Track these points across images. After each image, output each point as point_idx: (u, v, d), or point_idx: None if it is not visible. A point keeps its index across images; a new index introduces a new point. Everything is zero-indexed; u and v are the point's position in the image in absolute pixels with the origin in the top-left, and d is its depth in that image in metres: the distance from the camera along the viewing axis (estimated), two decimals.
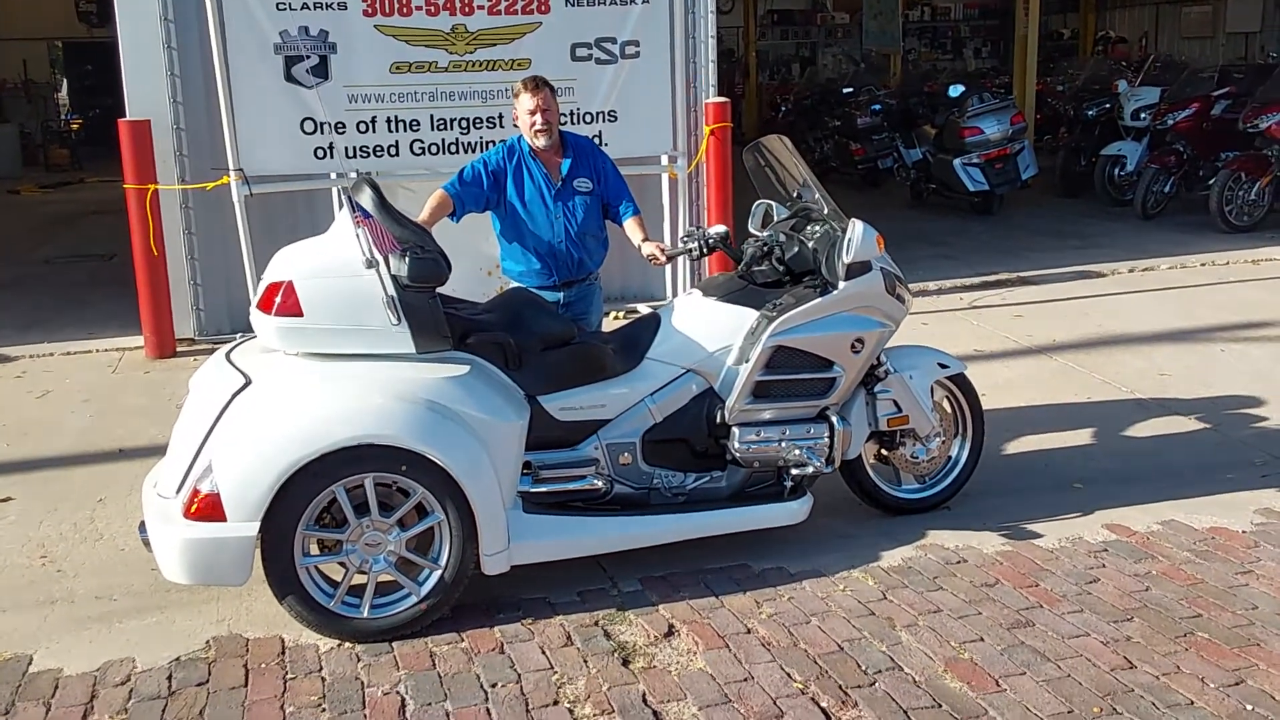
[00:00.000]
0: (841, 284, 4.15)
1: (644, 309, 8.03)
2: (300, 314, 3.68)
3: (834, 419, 4.24)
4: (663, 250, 4.66)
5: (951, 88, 13.09)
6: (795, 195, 4.59)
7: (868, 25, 19.94)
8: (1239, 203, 10.28)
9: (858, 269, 4.15)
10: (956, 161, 11.73)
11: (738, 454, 4.16)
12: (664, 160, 7.64)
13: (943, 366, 4.60)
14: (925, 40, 26.40)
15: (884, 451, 4.61)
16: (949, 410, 4.69)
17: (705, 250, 4.49)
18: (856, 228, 4.03)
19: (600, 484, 4.09)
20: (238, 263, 6.97)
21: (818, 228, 4.38)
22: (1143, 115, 11.87)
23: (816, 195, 4.41)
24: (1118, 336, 7.21)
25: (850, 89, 16.30)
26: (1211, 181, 10.69)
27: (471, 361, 3.85)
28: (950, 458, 4.69)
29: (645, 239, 4.74)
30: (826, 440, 4.22)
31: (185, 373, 6.93)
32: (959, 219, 11.86)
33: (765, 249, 4.28)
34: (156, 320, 7.10)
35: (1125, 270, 9.00)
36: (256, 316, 3.77)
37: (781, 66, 24.83)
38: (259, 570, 3.56)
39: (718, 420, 4.18)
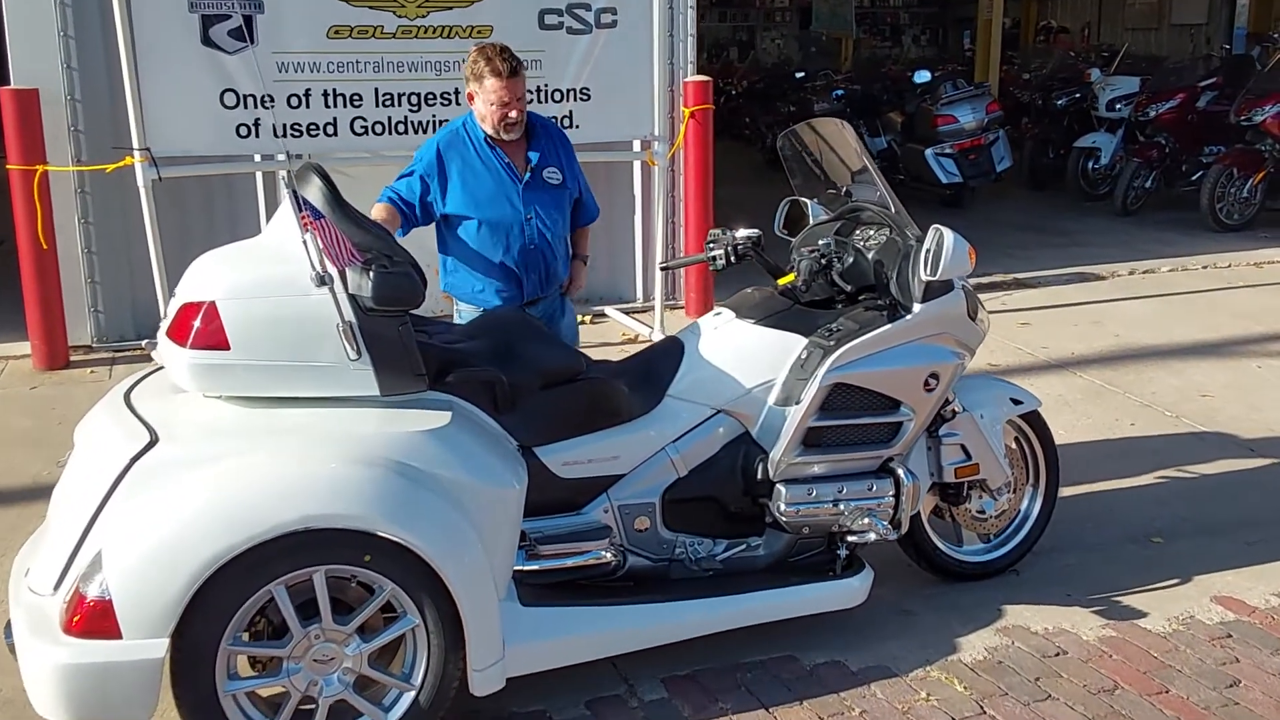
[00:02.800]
0: (917, 306, 3.33)
1: (612, 312, 7.15)
2: (225, 346, 2.74)
3: (900, 471, 3.41)
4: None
5: (917, 74, 12.40)
6: (844, 192, 3.75)
7: (817, 8, 19.23)
8: (1230, 200, 9.73)
9: (938, 288, 3.33)
10: (928, 152, 11.01)
11: (784, 518, 3.31)
12: (637, 146, 6.75)
13: (1015, 402, 3.81)
14: (864, 26, 25.82)
15: (942, 505, 3.80)
16: (1018, 454, 3.90)
17: (733, 258, 3.63)
18: (946, 238, 3.20)
19: (611, 557, 3.22)
20: (144, 258, 5.91)
21: (873, 233, 3.55)
22: (1118, 106, 11.29)
23: (879, 193, 3.57)
24: (1140, 350, 6.52)
25: (803, 73, 15.58)
26: (1195, 177, 10.18)
27: (453, 406, 2.95)
28: (1020, 511, 3.90)
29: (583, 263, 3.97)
30: (891, 499, 3.40)
31: (80, 388, 5.92)
32: (929, 213, 10.97)
33: (823, 261, 3.42)
34: (46, 325, 6.02)
35: (1125, 272, 8.36)
36: (166, 348, 2.82)
37: (719, 50, 24.03)
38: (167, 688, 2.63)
39: (758, 475, 3.33)
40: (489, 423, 3.05)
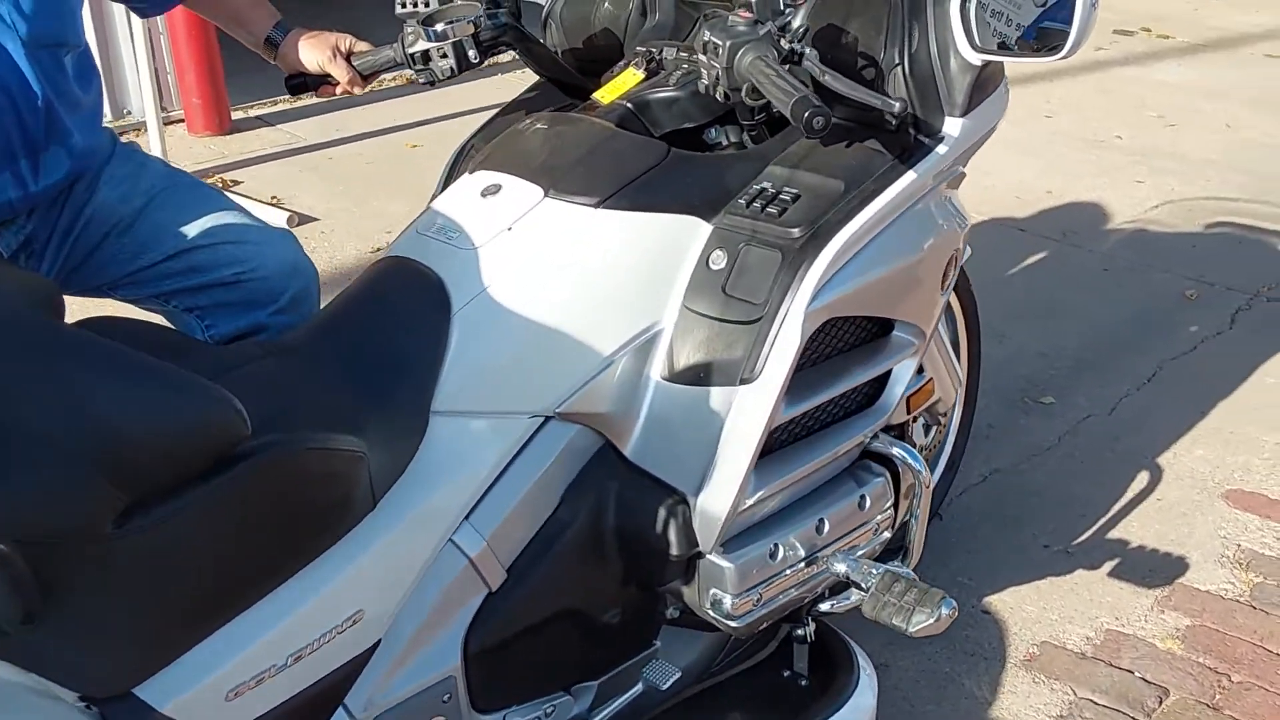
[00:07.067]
0: (956, 123, 1.56)
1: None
2: None
3: (895, 452, 1.73)
4: (347, 53, 1.72)
5: None
6: None
7: None
8: None
9: (989, 83, 1.59)
10: None
11: (734, 618, 1.52)
12: None
13: None
14: None
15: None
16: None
17: (473, 57, 1.62)
18: None
19: None
20: None
21: None
22: None
23: None
24: None
25: None
26: None
27: None
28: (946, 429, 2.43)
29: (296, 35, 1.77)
30: (890, 508, 1.73)
31: None
32: None
33: (790, 44, 1.46)
34: None
35: None
36: None
37: None
38: None
39: (669, 546, 1.49)
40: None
